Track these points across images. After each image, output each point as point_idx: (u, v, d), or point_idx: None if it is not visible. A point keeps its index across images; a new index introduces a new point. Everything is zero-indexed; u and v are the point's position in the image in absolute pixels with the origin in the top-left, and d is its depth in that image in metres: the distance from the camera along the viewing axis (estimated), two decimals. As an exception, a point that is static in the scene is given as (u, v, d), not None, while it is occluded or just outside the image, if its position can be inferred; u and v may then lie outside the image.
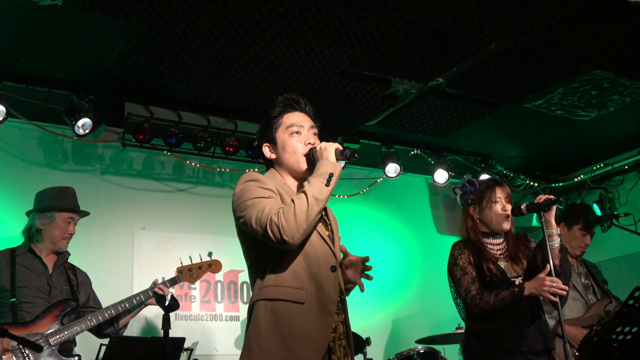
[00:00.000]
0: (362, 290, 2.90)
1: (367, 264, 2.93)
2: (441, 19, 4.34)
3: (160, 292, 4.37)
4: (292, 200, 2.58)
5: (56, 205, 4.40)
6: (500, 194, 3.84)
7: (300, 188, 2.68)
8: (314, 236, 2.69)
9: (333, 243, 2.80)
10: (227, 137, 5.88)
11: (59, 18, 4.31)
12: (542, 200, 3.59)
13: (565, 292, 3.49)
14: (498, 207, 3.82)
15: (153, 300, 4.41)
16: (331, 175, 2.63)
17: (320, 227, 2.76)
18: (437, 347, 5.41)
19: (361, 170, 7.04)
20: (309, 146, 2.82)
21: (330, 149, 2.71)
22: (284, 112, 2.91)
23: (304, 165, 2.81)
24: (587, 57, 4.92)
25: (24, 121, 5.32)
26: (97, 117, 5.28)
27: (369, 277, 2.95)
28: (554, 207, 3.59)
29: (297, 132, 2.85)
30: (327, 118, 5.89)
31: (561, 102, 5.80)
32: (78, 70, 5.08)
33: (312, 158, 2.77)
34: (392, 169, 6.57)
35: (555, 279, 3.47)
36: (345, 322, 2.77)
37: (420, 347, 5.21)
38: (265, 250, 2.67)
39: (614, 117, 6.13)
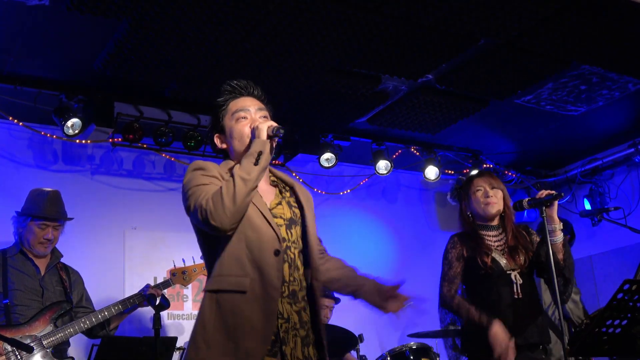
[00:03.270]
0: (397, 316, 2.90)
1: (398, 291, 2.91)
2: (430, 15, 4.34)
3: (153, 293, 4.37)
4: (220, 186, 2.53)
5: (27, 211, 4.39)
6: (480, 183, 3.90)
7: None
8: (257, 219, 2.61)
9: (300, 225, 2.73)
10: (218, 135, 5.87)
11: (47, 18, 4.29)
12: (543, 195, 3.61)
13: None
14: (480, 195, 3.87)
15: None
16: (260, 153, 2.57)
17: (270, 211, 2.67)
18: (430, 343, 5.42)
19: (352, 167, 7.03)
20: None
21: (262, 127, 2.65)
22: (230, 99, 2.84)
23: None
24: (576, 52, 4.94)
25: (13, 122, 5.30)
26: (86, 117, 5.25)
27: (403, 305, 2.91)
28: (556, 203, 3.61)
29: (244, 117, 2.77)
30: (317, 115, 5.89)
31: (551, 98, 5.81)
32: (67, 70, 5.06)
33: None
34: (382, 165, 6.58)
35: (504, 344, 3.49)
36: (309, 312, 2.68)
37: (413, 343, 5.22)
38: (213, 240, 2.61)
39: (603, 111, 6.15)
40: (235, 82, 2.88)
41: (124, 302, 4.39)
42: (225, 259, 2.58)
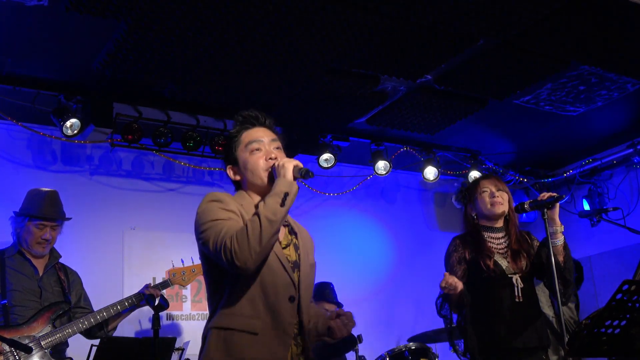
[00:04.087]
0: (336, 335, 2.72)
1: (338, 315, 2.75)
2: (429, 15, 4.34)
3: (151, 293, 4.37)
4: (245, 225, 2.45)
5: (25, 211, 4.39)
6: (486, 185, 3.92)
7: None
8: (274, 263, 2.58)
9: (299, 269, 2.68)
10: (216, 136, 5.86)
11: (46, 18, 4.28)
12: (545, 197, 3.63)
13: (453, 287, 3.48)
14: (485, 196, 3.89)
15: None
16: (286, 194, 2.50)
17: (283, 253, 2.65)
18: (429, 343, 5.42)
19: (351, 168, 7.03)
20: (271, 161, 2.68)
21: (288, 166, 2.58)
22: (242, 130, 2.78)
23: (266, 182, 2.67)
24: (575, 52, 4.94)
25: (12, 123, 5.29)
26: (85, 117, 5.25)
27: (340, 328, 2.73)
28: (557, 205, 3.63)
29: (258, 149, 2.70)
30: (316, 116, 5.89)
31: (549, 98, 5.81)
32: (65, 70, 5.05)
33: (273, 176, 2.64)
34: (381, 166, 6.58)
35: (448, 278, 3.49)
36: (305, 355, 2.64)
37: (412, 344, 5.22)
38: (224, 275, 2.57)
39: (602, 112, 6.15)
40: (247, 112, 2.82)
41: (122, 302, 4.39)
42: (236, 297, 2.54)
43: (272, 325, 2.52)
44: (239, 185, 2.80)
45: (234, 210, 2.58)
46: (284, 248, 2.68)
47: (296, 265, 2.69)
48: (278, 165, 2.61)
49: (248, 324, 2.51)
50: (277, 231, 2.49)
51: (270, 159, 2.69)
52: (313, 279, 2.82)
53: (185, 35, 4.44)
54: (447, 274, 3.53)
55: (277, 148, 2.75)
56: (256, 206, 2.61)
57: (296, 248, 2.74)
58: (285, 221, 2.76)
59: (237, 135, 2.78)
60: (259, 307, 2.53)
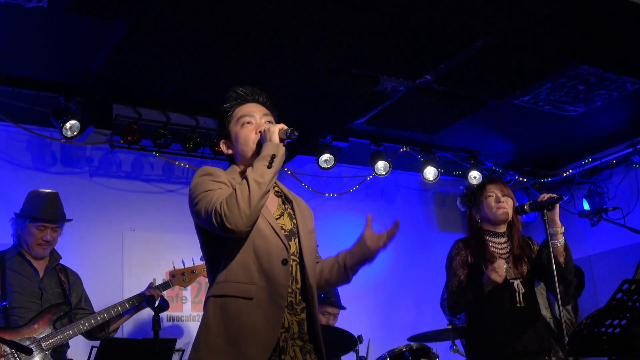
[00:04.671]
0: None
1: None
2: (428, 15, 4.34)
3: (152, 294, 4.37)
4: (234, 188, 2.54)
5: (26, 212, 4.39)
6: (492, 189, 3.94)
7: None
8: (266, 228, 2.64)
9: (298, 237, 2.74)
10: (216, 137, 5.87)
11: (45, 20, 4.28)
12: (545, 198, 3.63)
13: (500, 273, 3.56)
14: (491, 201, 3.91)
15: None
16: (273, 156, 2.58)
17: (277, 222, 2.70)
18: (429, 343, 5.42)
19: (351, 169, 7.04)
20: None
21: (273, 129, 2.66)
22: (236, 105, 2.86)
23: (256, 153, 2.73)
24: (574, 52, 4.94)
25: (12, 124, 5.29)
26: (84, 119, 5.25)
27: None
28: (557, 206, 3.64)
29: (249, 122, 2.79)
30: (315, 116, 5.89)
31: (549, 98, 5.81)
32: (65, 72, 5.05)
33: (260, 144, 2.71)
34: (381, 166, 6.59)
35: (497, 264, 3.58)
36: (310, 321, 2.68)
37: (412, 344, 5.21)
38: (218, 245, 2.63)
39: (601, 111, 6.16)
40: (240, 88, 2.89)
41: (123, 303, 4.39)
42: (231, 265, 2.60)
43: (267, 289, 2.57)
44: (231, 160, 2.88)
45: (224, 182, 2.65)
46: (277, 218, 2.73)
47: (292, 233, 2.74)
48: (264, 130, 2.69)
49: (243, 289, 2.56)
50: (266, 193, 2.55)
51: (260, 132, 2.75)
52: (315, 244, 2.87)
53: (184, 36, 4.44)
54: (501, 260, 3.60)
55: (269, 122, 2.82)
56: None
57: (291, 217, 2.79)
58: (279, 191, 2.85)
59: (229, 110, 2.86)
60: (253, 273, 2.58)
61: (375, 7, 4.23)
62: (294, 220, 2.79)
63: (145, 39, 4.45)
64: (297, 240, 2.74)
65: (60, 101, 5.19)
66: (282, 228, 2.71)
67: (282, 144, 2.66)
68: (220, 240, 2.60)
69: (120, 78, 4.97)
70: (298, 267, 2.70)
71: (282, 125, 2.70)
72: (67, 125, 5.16)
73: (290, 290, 2.64)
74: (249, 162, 2.72)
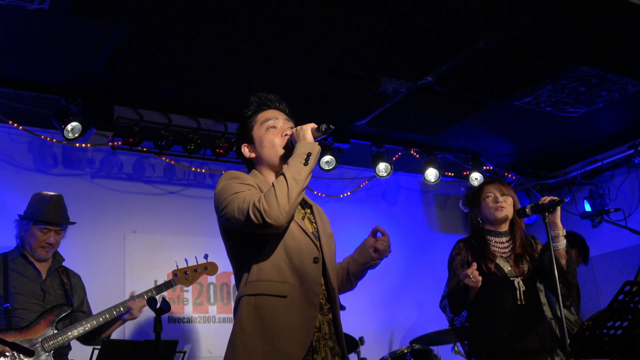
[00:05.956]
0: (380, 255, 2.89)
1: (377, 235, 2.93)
2: (429, 17, 4.35)
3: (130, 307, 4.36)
4: (272, 184, 2.56)
5: (30, 215, 4.39)
6: (490, 190, 3.98)
7: None
8: (296, 229, 2.68)
9: (319, 239, 2.77)
10: (217, 138, 5.87)
11: (46, 22, 4.28)
12: (546, 201, 3.64)
13: (476, 279, 3.53)
14: (489, 201, 3.94)
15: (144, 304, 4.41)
16: (309, 154, 2.62)
17: (304, 223, 2.76)
18: (431, 346, 5.42)
19: (352, 170, 7.04)
20: (287, 137, 2.80)
21: (305, 128, 2.70)
22: (258, 110, 2.92)
23: (282, 156, 2.79)
24: (575, 53, 4.94)
25: (13, 126, 5.30)
26: (86, 120, 5.25)
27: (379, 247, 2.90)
28: (559, 208, 3.65)
29: (273, 127, 2.84)
30: (316, 118, 5.87)
31: (550, 99, 5.81)
32: (66, 73, 5.05)
33: (290, 146, 2.75)
34: (382, 168, 6.58)
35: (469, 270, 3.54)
36: (335, 323, 2.72)
37: (414, 345, 5.22)
38: (249, 247, 2.66)
39: (602, 113, 6.15)
40: (262, 94, 2.95)
41: (117, 307, 4.37)
42: (262, 265, 2.62)
43: (299, 287, 2.61)
44: (251, 165, 2.92)
45: (251, 184, 2.69)
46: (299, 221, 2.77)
47: (314, 236, 2.77)
48: (296, 130, 2.73)
49: (277, 288, 2.59)
50: (303, 190, 2.60)
51: (286, 135, 2.81)
52: (334, 248, 2.91)
53: (185, 37, 4.44)
54: (475, 264, 3.58)
55: (291, 128, 2.84)
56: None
57: (311, 221, 2.84)
58: None
59: (253, 114, 2.91)
60: (285, 272, 2.61)
61: (376, 8, 4.23)
62: (314, 224, 2.83)
63: (146, 40, 4.45)
64: (319, 243, 2.77)
65: (61, 103, 5.20)
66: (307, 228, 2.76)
67: (316, 143, 2.69)
68: (249, 241, 2.63)
69: (122, 80, 4.97)
70: (321, 268, 2.73)
71: (313, 125, 2.73)
72: (69, 127, 5.16)
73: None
74: (272, 167, 2.80)
